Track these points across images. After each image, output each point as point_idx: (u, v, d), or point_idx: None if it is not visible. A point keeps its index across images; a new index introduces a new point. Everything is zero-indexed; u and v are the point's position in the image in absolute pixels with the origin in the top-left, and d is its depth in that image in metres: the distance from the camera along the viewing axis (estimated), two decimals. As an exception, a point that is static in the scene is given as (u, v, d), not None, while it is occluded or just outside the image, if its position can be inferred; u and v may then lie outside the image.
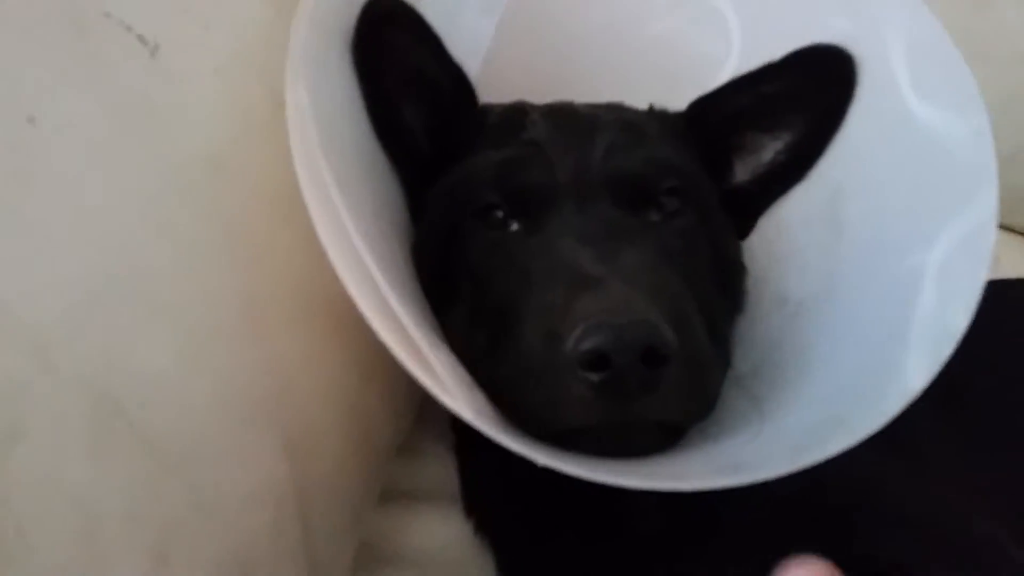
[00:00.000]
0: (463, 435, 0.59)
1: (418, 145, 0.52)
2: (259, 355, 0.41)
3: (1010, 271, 0.76)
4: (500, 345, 0.43)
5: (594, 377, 0.37)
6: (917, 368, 0.40)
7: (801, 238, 0.53)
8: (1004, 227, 0.94)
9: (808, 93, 0.52)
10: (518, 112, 0.52)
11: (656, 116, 0.55)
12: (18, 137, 0.33)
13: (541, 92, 0.55)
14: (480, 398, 0.41)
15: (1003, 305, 0.68)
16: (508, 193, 0.47)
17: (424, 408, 0.62)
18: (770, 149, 0.54)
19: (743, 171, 0.55)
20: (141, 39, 0.38)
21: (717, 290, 0.50)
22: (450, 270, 0.49)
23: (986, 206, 0.43)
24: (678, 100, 0.55)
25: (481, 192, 0.48)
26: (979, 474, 0.51)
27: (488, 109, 0.53)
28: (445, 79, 0.52)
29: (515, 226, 0.47)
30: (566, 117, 0.51)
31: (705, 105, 0.54)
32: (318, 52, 0.44)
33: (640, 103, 0.55)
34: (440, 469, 0.59)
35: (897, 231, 0.47)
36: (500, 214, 0.48)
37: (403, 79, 0.50)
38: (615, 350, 0.37)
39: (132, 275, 0.36)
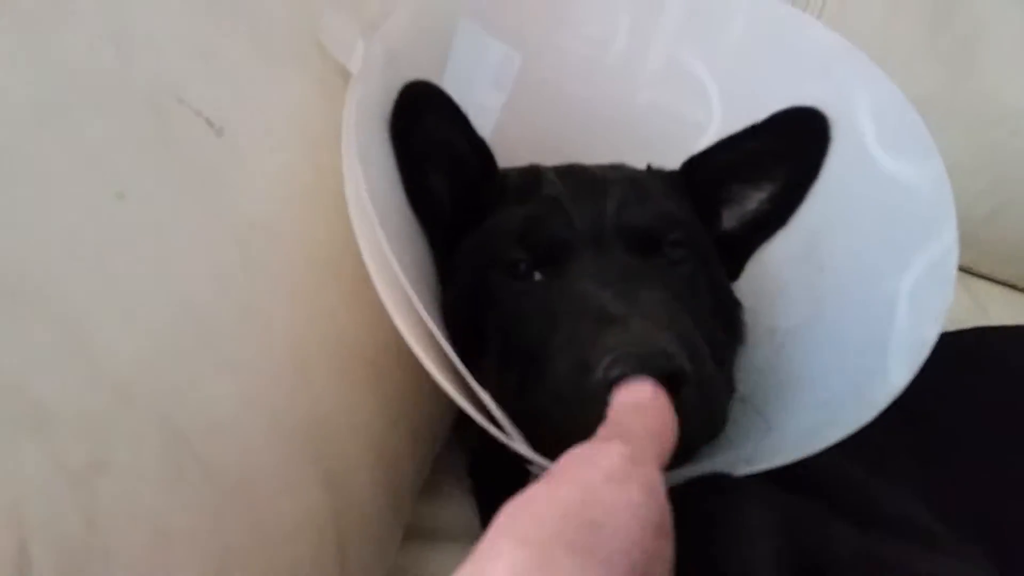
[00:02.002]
0: (481, 478, 0.64)
1: (444, 211, 0.56)
2: (305, 399, 0.45)
3: (997, 322, 0.80)
4: (531, 381, 0.47)
5: None
6: (898, 371, 0.46)
7: (785, 276, 0.59)
8: (990, 279, 0.99)
9: (788, 149, 0.58)
10: (534, 173, 0.57)
11: (656, 174, 0.60)
12: (110, 211, 0.38)
13: (545, 156, 0.60)
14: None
15: (981, 349, 0.73)
16: (532, 246, 0.51)
17: (444, 452, 0.66)
18: (754, 199, 0.60)
19: (730, 219, 0.61)
20: (209, 122, 0.43)
21: (719, 326, 0.55)
22: (480, 323, 0.52)
23: (948, 238, 0.50)
24: (668, 161, 0.61)
25: (507, 247, 0.52)
26: (934, 483, 0.55)
27: (506, 173, 0.58)
28: (470, 151, 0.57)
29: (538, 276, 0.51)
30: (578, 176, 0.56)
31: (697, 163, 0.60)
32: (365, 132, 0.49)
33: (635, 164, 0.61)
34: (460, 509, 0.63)
35: (872, 262, 0.54)
36: (524, 266, 0.52)
37: (433, 153, 0.55)
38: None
39: (200, 327, 0.41)
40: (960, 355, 0.72)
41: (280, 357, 0.45)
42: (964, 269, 0.97)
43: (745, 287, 0.61)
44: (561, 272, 0.50)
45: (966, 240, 0.93)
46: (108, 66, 0.40)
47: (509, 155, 0.60)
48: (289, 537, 0.43)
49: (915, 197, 0.53)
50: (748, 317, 0.59)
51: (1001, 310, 0.94)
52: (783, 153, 0.58)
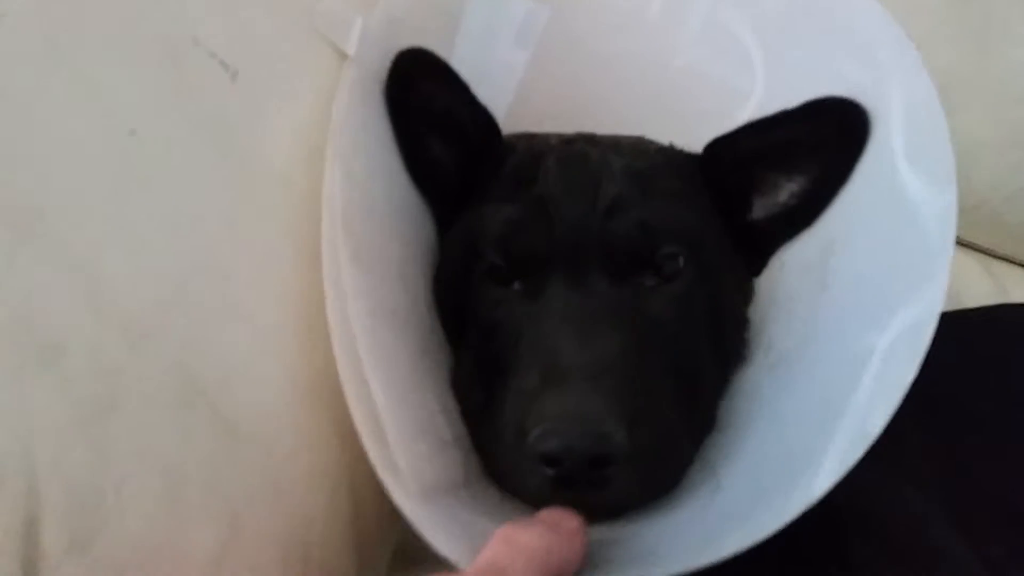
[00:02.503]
0: None
1: (446, 179, 0.55)
2: (318, 352, 0.43)
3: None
4: (488, 412, 0.47)
5: (549, 472, 0.42)
6: (827, 472, 0.40)
7: (794, 285, 0.53)
8: (1012, 261, 0.97)
9: (822, 142, 0.52)
10: (534, 159, 0.53)
11: (670, 160, 0.56)
12: (122, 146, 0.37)
13: (572, 118, 0.58)
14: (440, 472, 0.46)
15: (1005, 326, 0.71)
16: (510, 256, 0.50)
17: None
18: (785, 190, 0.54)
19: (760, 209, 0.55)
20: (223, 65, 0.42)
21: (713, 347, 0.51)
22: (461, 313, 0.52)
23: (934, 298, 0.43)
24: (704, 131, 0.56)
25: (488, 250, 0.51)
26: (961, 492, 0.53)
27: (511, 148, 0.56)
28: (472, 121, 0.55)
29: (517, 285, 0.50)
30: (578, 164, 0.52)
31: (722, 146, 0.55)
32: (360, 110, 0.49)
33: (668, 132, 0.57)
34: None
35: (864, 301, 0.47)
36: (503, 272, 0.50)
37: (432, 122, 0.54)
38: (565, 456, 0.41)
39: (213, 274, 0.40)
40: (982, 332, 0.70)
41: (294, 310, 0.44)
42: (985, 251, 0.95)
43: (761, 288, 0.57)
44: (536, 288, 0.49)
45: (988, 220, 0.92)
46: (122, 1, 0.39)
47: (534, 117, 0.58)
48: (304, 490, 0.42)
49: (922, 230, 0.46)
50: (752, 329, 0.55)
51: (1022, 293, 0.92)
52: (817, 145, 0.53)
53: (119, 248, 0.36)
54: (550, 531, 0.37)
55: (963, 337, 0.66)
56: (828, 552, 0.46)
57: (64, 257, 0.35)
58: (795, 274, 0.53)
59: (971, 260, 0.93)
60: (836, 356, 0.46)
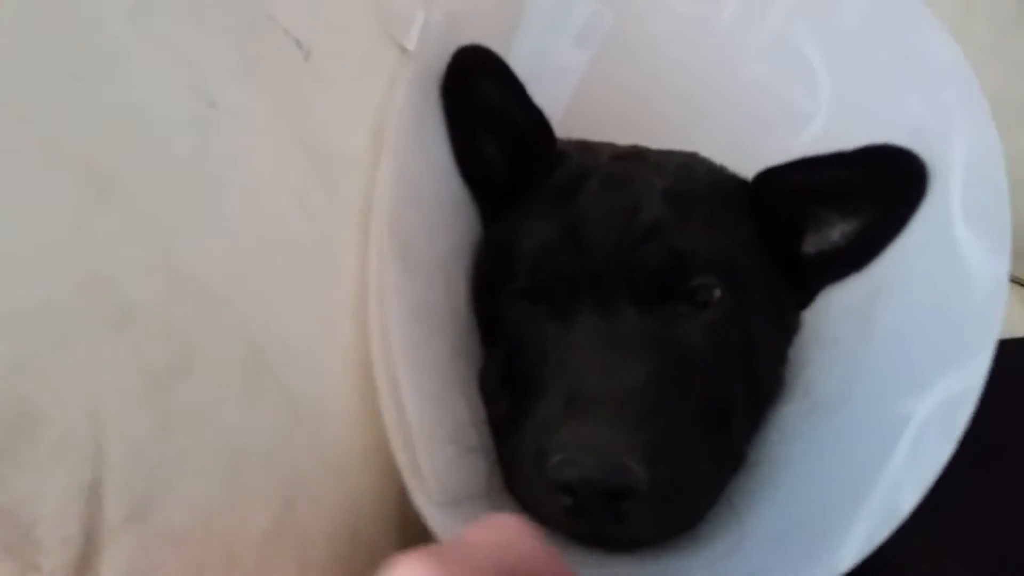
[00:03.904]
0: None
1: (496, 178, 0.55)
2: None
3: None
4: (511, 428, 0.47)
5: (567, 500, 0.42)
6: (852, 549, 0.38)
7: (838, 328, 0.51)
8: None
9: (878, 190, 0.50)
10: (580, 176, 0.53)
11: (719, 184, 0.55)
12: (201, 116, 0.37)
13: (630, 123, 0.57)
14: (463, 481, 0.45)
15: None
16: (539, 279, 0.50)
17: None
18: (838, 230, 0.52)
19: (811, 244, 0.53)
20: (297, 43, 0.42)
21: (746, 380, 0.50)
22: (493, 318, 0.52)
23: (978, 373, 0.40)
24: (765, 147, 0.55)
25: (521, 270, 0.51)
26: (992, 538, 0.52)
27: (564, 155, 0.55)
28: (525, 121, 0.54)
29: (546, 306, 0.50)
30: (618, 188, 0.51)
31: (774, 177, 0.53)
32: (421, 93, 0.49)
33: (726, 145, 0.56)
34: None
35: (906, 360, 0.45)
36: (534, 294, 0.50)
37: (486, 120, 0.54)
38: (581, 487, 0.41)
39: (282, 249, 0.39)
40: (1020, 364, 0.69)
41: (354, 292, 0.44)
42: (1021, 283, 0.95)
43: (807, 325, 0.55)
44: (564, 312, 0.49)
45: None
46: (206, -28, 0.39)
47: (592, 119, 0.58)
48: (355, 471, 0.42)
49: (969, 296, 0.43)
50: (791, 367, 0.53)
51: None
52: (873, 192, 0.50)
53: (194, 216, 0.36)
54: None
55: (1002, 367, 0.65)
56: None
57: (140, 222, 0.34)
58: (840, 317, 0.52)
59: (1012, 293, 0.92)
60: (872, 416, 0.45)
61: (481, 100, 0.53)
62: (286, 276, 0.40)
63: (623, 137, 0.58)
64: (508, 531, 0.31)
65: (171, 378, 0.34)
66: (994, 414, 0.59)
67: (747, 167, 0.55)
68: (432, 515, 0.41)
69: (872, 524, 0.39)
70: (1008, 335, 0.79)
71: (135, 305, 0.33)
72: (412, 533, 0.47)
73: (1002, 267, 0.43)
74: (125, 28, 0.35)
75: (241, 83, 0.39)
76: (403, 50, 0.49)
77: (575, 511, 0.42)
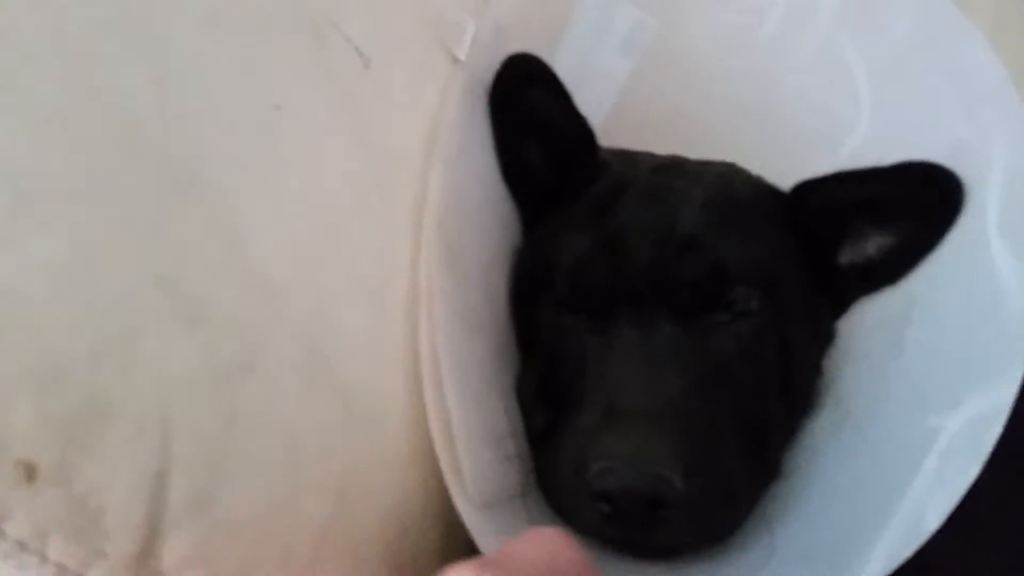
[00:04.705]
0: None
1: (540, 185, 0.55)
2: (428, 332, 0.44)
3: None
4: (549, 439, 0.48)
5: (605, 508, 0.42)
6: (875, 567, 0.39)
7: (867, 342, 0.51)
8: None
9: (914, 206, 0.50)
10: (619, 187, 0.53)
11: (757, 195, 0.55)
12: (268, 119, 0.38)
13: (672, 131, 0.58)
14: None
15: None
16: (578, 291, 0.50)
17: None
18: (874, 243, 0.52)
19: (847, 255, 0.53)
20: (359, 52, 0.43)
21: (780, 390, 0.50)
22: (531, 325, 0.53)
23: (1008, 393, 0.40)
24: (805, 158, 0.55)
25: (557, 284, 0.51)
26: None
27: (606, 164, 0.55)
28: (570, 130, 0.55)
29: (585, 317, 0.50)
30: (657, 200, 0.52)
31: (810, 189, 0.53)
32: (470, 102, 0.50)
33: (766, 155, 0.56)
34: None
35: (937, 377, 0.45)
36: (572, 304, 0.51)
37: (532, 128, 0.54)
38: (619, 496, 0.42)
39: (344, 249, 0.40)
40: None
41: (409, 289, 0.45)
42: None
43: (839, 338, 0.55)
44: (603, 323, 0.49)
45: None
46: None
47: (634, 126, 0.58)
48: (406, 469, 0.43)
49: (1003, 313, 0.43)
50: (824, 380, 0.53)
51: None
52: (909, 208, 0.50)
53: (261, 215, 0.37)
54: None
55: None
56: None
57: (211, 220, 0.35)
58: (873, 331, 0.52)
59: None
60: (901, 432, 0.44)
61: (528, 108, 0.54)
62: (345, 276, 0.41)
63: (663, 146, 0.59)
64: (553, 545, 0.32)
65: (236, 373, 0.35)
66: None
67: (786, 178, 0.55)
68: (471, 516, 0.42)
69: (895, 543, 0.39)
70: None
71: (204, 302, 0.34)
72: (457, 530, 0.48)
73: None
74: (199, 34, 0.36)
75: (305, 88, 0.40)
76: (455, 59, 0.50)
77: (612, 519, 0.43)
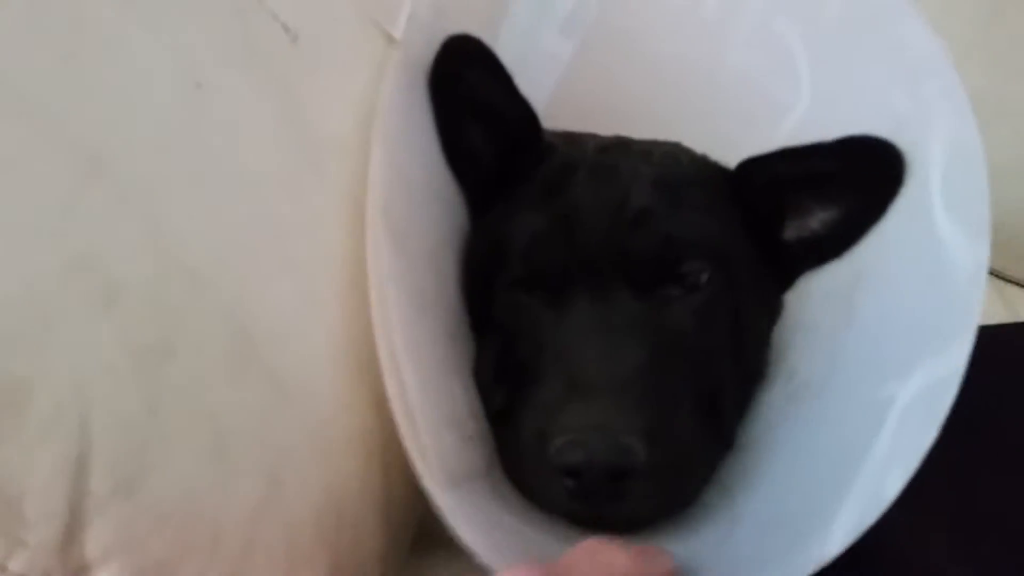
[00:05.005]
0: None
1: (484, 168, 0.55)
2: (363, 318, 0.43)
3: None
4: (508, 417, 0.48)
5: (570, 483, 0.42)
6: (839, 535, 0.39)
7: (817, 314, 0.52)
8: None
9: (856, 180, 0.51)
10: (567, 168, 0.53)
11: (703, 172, 0.55)
12: (188, 98, 0.37)
13: (615, 113, 0.57)
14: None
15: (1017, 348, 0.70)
16: (533, 269, 0.50)
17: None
18: (817, 218, 0.53)
19: (792, 231, 0.54)
20: (285, 27, 0.42)
21: (733, 361, 0.51)
22: (485, 307, 0.52)
23: (960, 357, 0.40)
24: (747, 138, 0.55)
25: (512, 263, 0.51)
26: (980, 527, 0.52)
27: (551, 147, 0.55)
28: (513, 113, 0.54)
29: (541, 295, 0.50)
30: (606, 178, 0.52)
31: (755, 166, 0.53)
32: (409, 82, 0.49)
33: (708, 135, 0.56)
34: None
35: (888, 345, 0.46)
36: (528, 283, 0.51)
37: (474, 110, 0.53)
38: (585, 468, 0.42)
39: (269, 229, 0.40)
40: (999, 353, 0.70)
41: (342, 274, 0.44)
42: (999, 275, 0.96)
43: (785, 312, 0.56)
44: (560, 300, 0.49)
45: (1004, 244, 0.91)
46: (195, -45, 0.39)
47: (577, 109, 0.58)
48: (341, 452, 0.42)
49: (949, 281, 0.44)
50: (774, 352, 0.54)
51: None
52: (851, 182, 0.51)
53: (181, 196, 0.36)
54: (641, 558, 0.36)
55: (979, 355, 0.66)
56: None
57: (126, 201, 0.34)
58: (820, 302, 0.52)
59: (988, 283, 0.93)
60: (856, 400, 0.45)
61: (469, 90, 0.53)
62: (272, 257, 0.40)
63: (606, 127, 0.59)
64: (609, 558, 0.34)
65: (157, 356, 0.34)
66: (978, 403, 0.59)
67: (729, 157, 0.56)
68: (439, 496, 0.41)
69: (858, 510, 0.39)
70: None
71: (120, 285, 0.33)
72: (396, 515, 0.48)
73: (982, 253, 0.43)
74: (115, 10, 0.35)
75: (228, 65, 0.40)
76: (390, 38, 0.49)
77: (577, 493, 0.43)
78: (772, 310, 0.55)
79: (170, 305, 0.35)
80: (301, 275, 0.41)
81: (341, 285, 0.44)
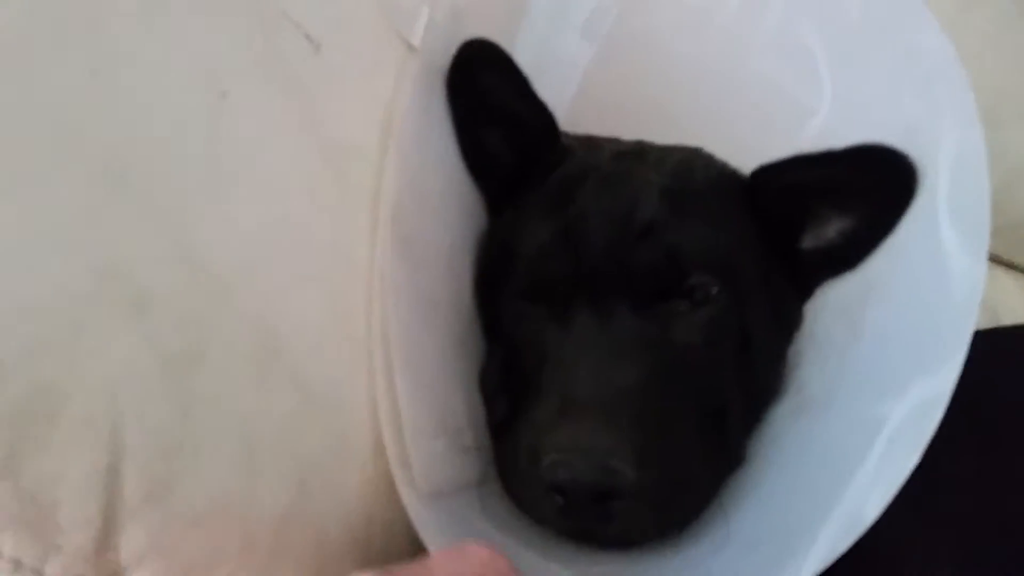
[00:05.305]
0: None
1: (502, 171, 0.55)
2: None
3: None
4: (508, 429, 0.48)
5: (559, 500, 0.42)
6: (815, 559, 0.38)
7: (831, 327, 0.51)
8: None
9: (870, 188, 0.49)
10: (580, 175, 0.53)
11: (717, 180, 0.54)
12: (214, 106, 0.37)
13: (636, 116, 0.57)
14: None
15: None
16: (537, 281, 0.50)
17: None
18: (834, 227, 0.52)
19: (810, 240, 0.53)
20: (308, 37, 0.42)
21: (742, 377, 0.49)
22: (494, 314, 0.53)
23: (950, 375, 0.39)
24: (769, 142, 0.54)
25: (519, 272, 0.51)
26: (989, 527, 0.51)
27: (568, 150, 0.55)
28: (530, 116, 0.54)
29: (545, 307, 0.50)
30: (617, 187, 0.51)
31: (770, 174, 0.52)
32: (426, 88, 0.50)
33: (730, 139, 0.55)
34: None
35: (888, 362, 0.45)
36: (532, 295, 0.50)
37: (491, 114, 0.54)
38: (571, 489, 0.42)
39: (294, 237, 0.40)
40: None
41: (367, 281, 0.44)
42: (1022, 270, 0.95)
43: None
44: (563, 313, 0.49)
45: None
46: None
47: (598, 112, 0.58)
48: (371, 453, 0.42)
49: (949, 294, 0.43)
50: (787, 365, 0.53)
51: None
52: (865, 190, 0.50)
53: (207, 206, 0.36)
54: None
55: (1001, 354, 0.65)
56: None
57: (154, 212, 0.34)
58: (834, 316, 0.51)
59: (1010, 279, 0.92)
60: (852, 419, 0.44)
61: (485, 94, 0.53)
62: (298, 265, 0.40)
63: (628, 131, 0.58)
64: (480, 560, 0.32)
65: (186, 364, 0.34)
66: (991, 407, 0.58)
67: (751, 163, 0.55)
68: (415, 509, 0.42)
69: (836, 533, 0.38)
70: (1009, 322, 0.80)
71: (150, 293, 0.34)
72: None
73: (980, 270, 0.42)
74: (138, 22, 0.36)
75: (252, 76, 0.40)
76: (409, 46, 0.49)
77: (566, 511, 0.43)
78: (788, 323, 0.54)
79: (198, 313, 0.35)
80: (326, 283, 0.42)
81: (365, 292, 0.44)
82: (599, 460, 0.41)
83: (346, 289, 0.43)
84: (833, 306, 0.51)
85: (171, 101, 0.36)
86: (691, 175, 0.54)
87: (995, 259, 0.90)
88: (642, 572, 0.44)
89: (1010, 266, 0.92)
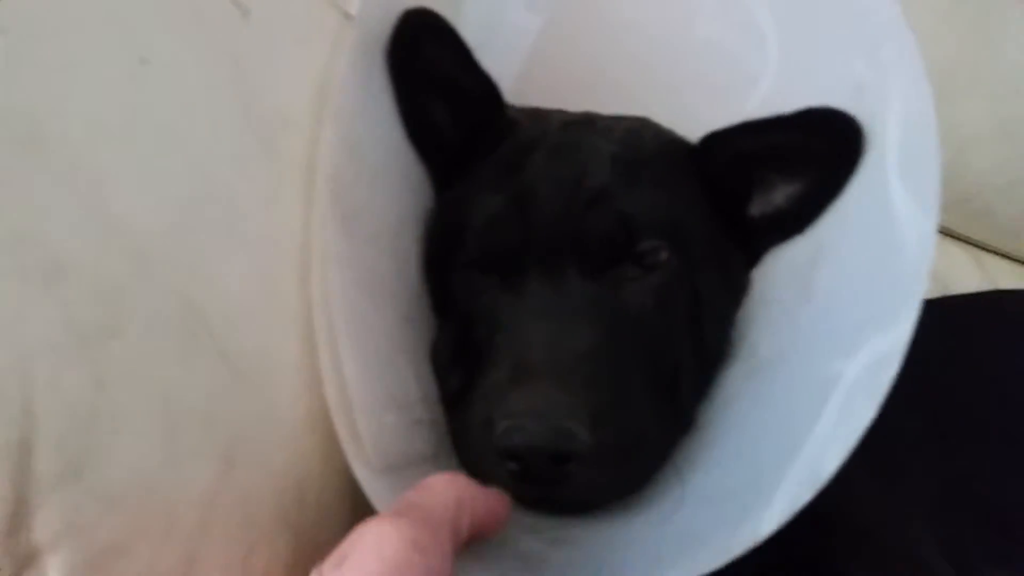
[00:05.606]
0: None
1: (446, 144, 0.54)
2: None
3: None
4: (462, 400, 0.47)
5: (513, 466, 0.42)
6: (775, 513, 0.38)
7: (779, 289, 0.51)
8: (1003, 255, 0.97)
9: (817, 152, 0.49)
10: (528, 146, 0.52)
11: (666, 148, 0.54)
12: (132, 73, 0.36)
13: (584, 86, 0.56)
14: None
15: (996, 313, 0.71)
16: (488, 251, 0.49)
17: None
18: (781, 192, 0.52)
19: (757, 206, 0.53)
20: (235, 3, 0.41)
21: (693, 342, 0.50)
22: (444, 288, 0.52)
23: (902, 335, 0.39)
24: (717, 107, 0.54)
25: (468, 245, 0.50)
26: (950, 491, 0.53)
27: (515, 122, 0.54)
28: (474, 89, 0.54)
29: (496, 276, 0.49)
30: (565, 156, 0.51)
31: (717, 141, 0.53)
32: (365, 59, 0.48)
33: (677, 106, 0.55)
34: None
35: (839, 321, 0.45)
36: (483, 266, 0.50)
37: (433, 86, 0.52)
38: (525, 452, 0.41)
39: (219, 205, 0.39)
40: (974, 318, 0.70)
41: (295, 251, 0.43)
42: (976, 244, 0.95)
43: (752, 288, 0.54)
44: (514, 282, 0.48)
45: (980, 213, 0.92)
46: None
47: (546, 84, 0.57)
48: (302, 428, 0.42)
49: (899, 254, 0.42)
50: (737, 330, 0.52)
51: (1013, 287, 0.92)
52: (812, 154, 0.50)
53: (125, 172, 0.35)
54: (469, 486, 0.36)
55: (954, 322, 0.66)
56: (814, 565, 0.45)
57: (69, 178, 0.33)
58: (784, 278, 0.51)
59: (962, 252, 0.93)
60: (806, 378, 0.44)
61: (427, 65, 0.52)
62: (223, 236, 0.39)
63: (577, 103, 0.57)
64: (454, 486, 0.34)
65: (103, 335, 0.33)
66: (953, 376, 0.59)
67: (699, 131, 0.54)
68: (369, 482, 0.41)
69: (796, 488, 0.38)
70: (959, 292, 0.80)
71: (64, 261, 0.32)
72: (361, 495, 0.47)
73: (931, 226, 0.42)
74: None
75: (176, 41, 0.39)
76: (345, 14, 0.48)
77: (521, 476, 0.42)
78: (737, 288, 0.54)
79: (117, 283, 0.34)
80: (253, 255, 0.41)
81: (296, 264, 0.43)
82: (554, 423, 0.41)
83: (275, 261, 0.42)
84: (783, 268, 0.51)
85: (87, 66, 0.35)
86: (641, 143, 0.54)
87: (946, 232, 0.92)
88: (606, 536, 0.44)
89: (961, 239, 0.93)
